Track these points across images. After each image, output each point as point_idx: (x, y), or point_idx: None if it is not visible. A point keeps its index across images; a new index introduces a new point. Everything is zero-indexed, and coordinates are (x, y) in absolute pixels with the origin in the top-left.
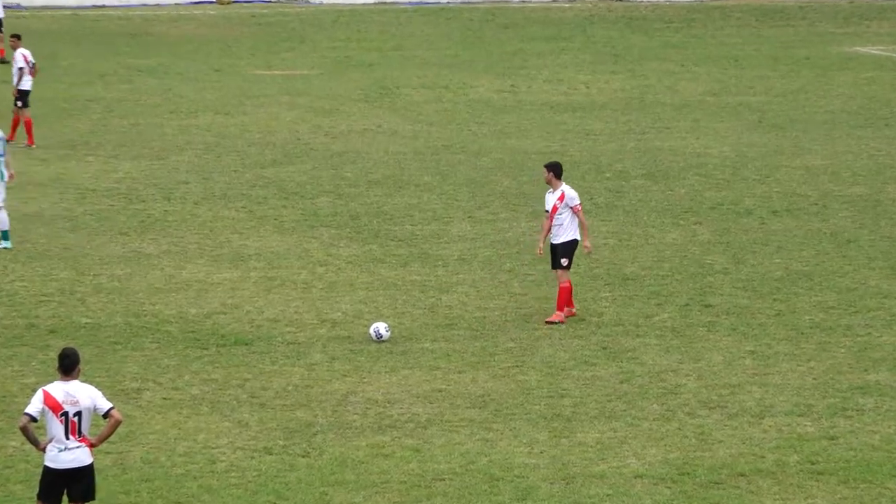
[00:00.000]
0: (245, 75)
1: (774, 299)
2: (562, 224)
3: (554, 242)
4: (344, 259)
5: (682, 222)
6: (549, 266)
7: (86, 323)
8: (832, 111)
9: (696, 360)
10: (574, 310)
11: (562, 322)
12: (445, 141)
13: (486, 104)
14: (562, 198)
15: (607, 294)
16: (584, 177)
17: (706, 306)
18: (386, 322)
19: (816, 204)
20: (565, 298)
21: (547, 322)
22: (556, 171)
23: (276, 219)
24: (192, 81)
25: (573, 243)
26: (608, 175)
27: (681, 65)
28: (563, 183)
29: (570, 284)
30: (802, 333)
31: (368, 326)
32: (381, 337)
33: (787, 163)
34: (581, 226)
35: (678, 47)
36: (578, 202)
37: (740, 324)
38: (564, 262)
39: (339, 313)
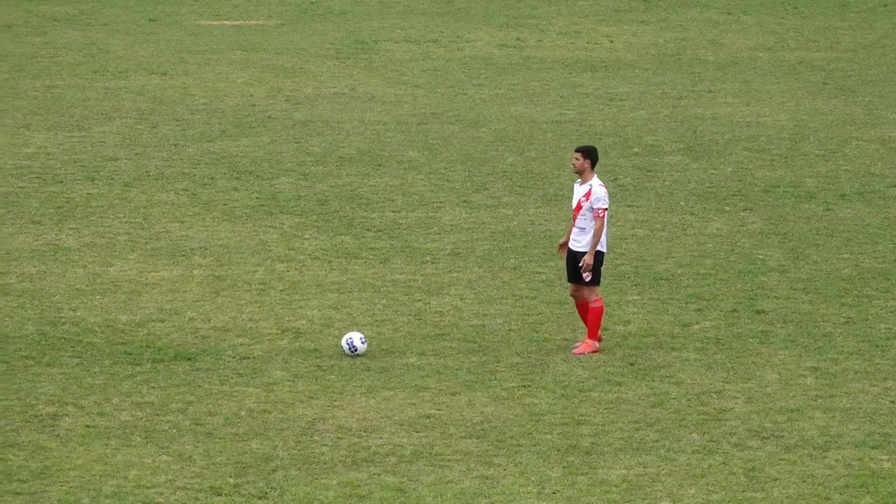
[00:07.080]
0: (187, 26)
1: (842, 304)
2: (585, 228)
3: (574, 249)
4: (309, 254)
5: (728, 208)
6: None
7: None
8: None
9: (745, 379)
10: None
11: (596, 350)
12: (435, 108)
13: (486, 62)
14: (588, 195)
15: (635, 297)
16: (607, 152)
17: (758, 312)
18: (361, 332)
19: (895, 186)
20: (596, 322)
21: (576, 353)
22: (592, 157)
23: (225, 204)
24: (122, 34)
25: (599, 255)
26: (637, 150)
27: (727, 13)
28: (595, 175)
29: (602, 304)
30: (877, 346)
31: (340, 337)
32: (356, 350)
33: (859, 135)
34: (595, 234)
35: None
36: (604, 206)
37: (800, 334)
38: (587, 276)
39: (304, 321)
